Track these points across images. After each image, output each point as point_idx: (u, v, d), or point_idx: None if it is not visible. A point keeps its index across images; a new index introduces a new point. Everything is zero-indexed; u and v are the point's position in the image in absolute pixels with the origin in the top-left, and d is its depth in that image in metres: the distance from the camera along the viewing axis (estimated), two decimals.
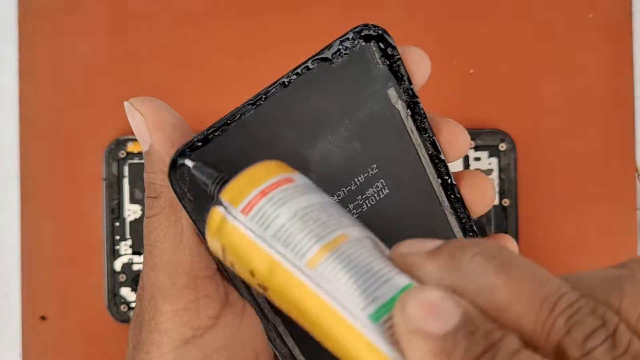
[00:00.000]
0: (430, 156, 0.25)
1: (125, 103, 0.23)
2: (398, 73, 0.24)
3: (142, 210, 0.44)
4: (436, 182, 0.25)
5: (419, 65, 0.24)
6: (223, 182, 0.20)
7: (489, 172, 0.44)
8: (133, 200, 0.44)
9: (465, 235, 0.26)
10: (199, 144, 0.22)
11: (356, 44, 0.23)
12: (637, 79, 0.45)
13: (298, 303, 0.18)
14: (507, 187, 0.44)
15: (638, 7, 0.45)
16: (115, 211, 0.43)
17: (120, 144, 0.43)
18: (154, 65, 0.45)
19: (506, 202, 0.44)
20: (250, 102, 0.23)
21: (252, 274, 0.18)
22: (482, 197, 0.25)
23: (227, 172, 0.20)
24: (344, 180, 0.24)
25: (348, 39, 0.23)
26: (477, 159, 0.44)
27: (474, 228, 0.26)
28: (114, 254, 0.43)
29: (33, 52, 0.45)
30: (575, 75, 0.45)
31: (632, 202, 0.45)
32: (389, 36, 0.24)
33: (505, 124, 0.44)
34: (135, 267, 0.44)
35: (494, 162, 0.44)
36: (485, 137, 0.44)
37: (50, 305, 0.44)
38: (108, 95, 0.45)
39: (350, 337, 0.17)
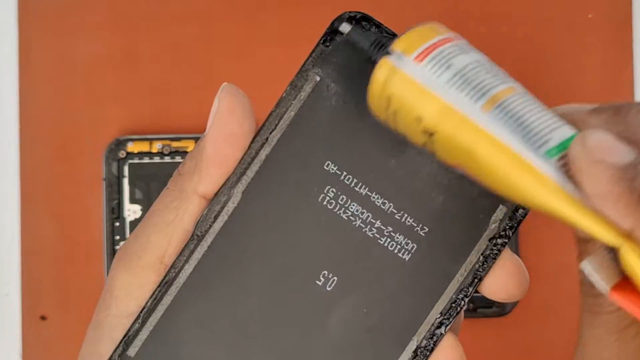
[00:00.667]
0: (464, 283, 0.22)
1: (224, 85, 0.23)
2: (523, 208, 0.23)
3: (142, 210, 0.44)
4: (436, 312, 0.22)
5: (516, 278, 0.23)
6: (383, 43, 0.21)
7: None
8: (133, 200, 0.44)
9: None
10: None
11: None
12: (637, 79, 0.45)
13: (470, 145, 0.18)
14: None
15: (638, 7, 0.45)
16: (115, 211, 0.43)
17: (120, 144, 0.43)
18: (154, 65, 0.45)
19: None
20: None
21: (419, 119, 0.19)
22: (507, 292, 0.23)
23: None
24: (399, 197, 0.22)
25: None
26: None
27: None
28: (114, 254, 0.43)
29: (33, 52, 0.45)
30: (575, 75, 0.45)
31: None
32: None
33: None
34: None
35: None
36: None
37: (50, 305, 0.44)
38: (108, 95, 0.45)
39: (526, 174, 0.18)
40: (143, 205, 0.43)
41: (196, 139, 0.43)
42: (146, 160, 0.43)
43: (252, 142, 0.22)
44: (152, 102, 0.45)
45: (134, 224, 0.43)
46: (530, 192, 0.18)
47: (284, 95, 0.22)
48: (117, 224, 0.43)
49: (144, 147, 0.43)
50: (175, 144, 0.43)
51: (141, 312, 0.22)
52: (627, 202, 0.17)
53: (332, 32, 0.22)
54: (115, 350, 0.22)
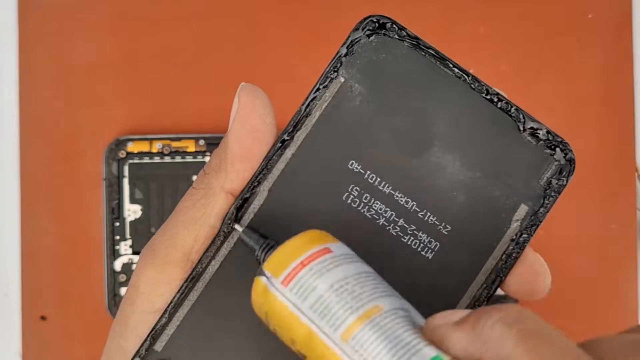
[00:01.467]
0: (487, 281, 0.23)
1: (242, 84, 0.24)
2: (543, 207, 0.23)
3: (142, 210, 0.44)
4: (478, 286, 0.23)
5: (538, 276, 0.23)
6: (269, 248, 0.21)
7: None
8: (133, 200, 0.44)
9: None
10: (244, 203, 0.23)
11: (547, 147, 0.23)
12: (637, 79, 0.45)
13: None
14: None
15: (638, 7, 0.45)
16: (115, 211, 0.43)
17: (120, 144, 0.43)
18: (154, 65, 0.45)
19: None
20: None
21: (292, 341, 0.19)
22: (530, 290, 0.23)
23: (276, 232, 0.21)
24: (422, 196, 0.23)
25: (550, 136, 0.23)
26: None
27: None
28: (114, 254, 0.43)
29: (33, 52, 0.45)
30: (575, 75, 0.45)
31: (632, 202, 0.45)
32: (571, 176, 0.23)
33: None
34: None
35: None
36: None
37: (50, 305, 0.44)
38: (108, 96, 0.45)
39: None
40: (143, 205, 0.43)
41: (196, 139, 0.43)
42: (146, 160, 0.43)
43: (277, 140, 0.23)
44: (152, 102, 0.45)
45: (134, 224, 0.43)
46: None
47: (309, 95, 0.23)
48: (117, 224, 0.43)
49: (144, 147, 0.43)
50: (175, 144, 0.43)
51: (168, 307, 0.22)
52: None
53: (356, 35, 0.23)
54: (142, 345, 0.22)
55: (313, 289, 0.19)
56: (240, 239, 0.22)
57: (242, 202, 0.23)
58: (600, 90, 0.45)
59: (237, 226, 0.22)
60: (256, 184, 0.22)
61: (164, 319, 0.22)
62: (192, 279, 0.22)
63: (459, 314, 0.18)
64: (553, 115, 0.45)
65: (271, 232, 0.22)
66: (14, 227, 0.45)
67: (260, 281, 0.20)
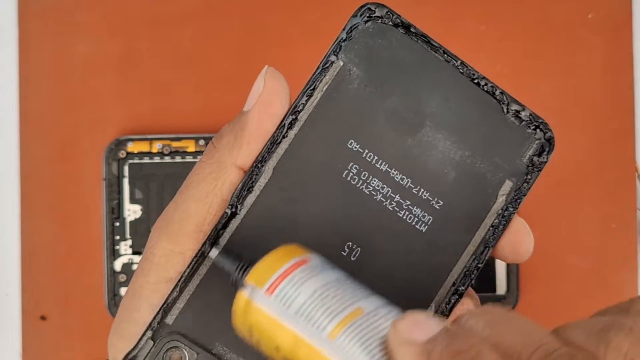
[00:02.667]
0: (476, 252, 0.24)
1: (266, 68, 0.24)
2: (526, 182, 0.24)
3: (142, 210, 0.44)
4: (451, 280, 0.24)
5: (522, 241, 0.24)
6: (245, 267, 0.22)
7: None
8: (133, 200, 0.44)
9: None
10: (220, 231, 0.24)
11: (529, 127, 0.25)
12: (637, 79, 0.45)
13: None
14: None
15: (638, 7, 0.45)
16: (115, 211, 0.43)
17: (120, 144, 0.43)
18: (154, 65, 0.45)
19: None
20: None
21: (277, 349, 0.20)
22: (514, 249, 0.25)
23: (249, 255, 0.22)
24: (416, 173, 0.24)
25: (532, 117, 0.25)
26: None
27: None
28: (114, 254, 0.43)
29: (33, 52, 0.45)
30: (575, 75, 0.45)
31: (632, 202, 0.45)
32: (550, 153, 0.25)
33: None
34: (135, 268, 0.44)
35: None
36: None
37: (50, 305, 0.44)
38: (108, 95, 0.45)
39: None
40: (143, 205, 0.43)
41: (196, 139, 0.43)
42: (146, 160, 0.43)
43: (281, 121, 0.24)
44: (152, 102, 0.45)
45: (134, 224, 0.43)
46: None
47: (311, 78, 0.24)
48: (117, 224, 0.43)
49: (144, 147, 0.43)
50: (175, 144, 0.43)
51: (179, 281, 0.23)
52: None
53: (359, 23, 0.24)
54: (154, 318, 0.23)
55: (297, 296, 0.20)
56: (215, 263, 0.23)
57: (225, 222, 0.23)
58: (600, 90, 0.45)
59: (211, 252, 0.23)
60: (262, 163, 0.24)
61: (175, 292, 0.23)
62: (201, 253, 0.23)
63: (423, 326, 0.19)
64: (553, 115, 0.45)
65: (276, 209, 0.23)
66: (14, 227, 0.45)
67: (242, 295, 0.21)
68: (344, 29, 0.24)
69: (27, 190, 0.45)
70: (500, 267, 0.44)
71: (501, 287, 0.44)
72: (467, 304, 0.24)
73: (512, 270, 0.44)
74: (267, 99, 0.24)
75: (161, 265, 0.23)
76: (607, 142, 0.45)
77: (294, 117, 0.24)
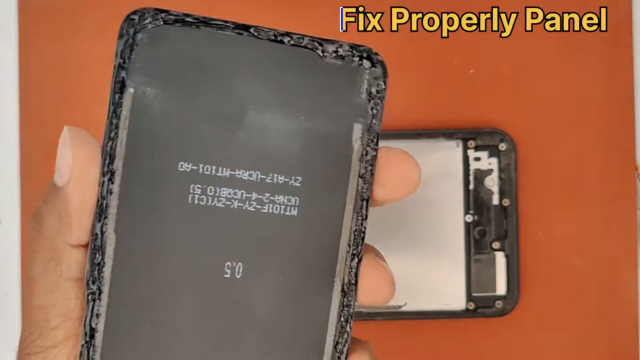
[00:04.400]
0: (355, 209, 0.23)
1: (66, 129, 0.22)
2: (374, 117, 0.23)
3: None
4: (344, 246, 0.23)
5: (404, 180, 0.23)
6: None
7: (489, 172, 0.44)
8: None
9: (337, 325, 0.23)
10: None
11: (354, 61, 0.22)
12: (637, 80, 0.45)
13: None
14: (507, 187, 0.44)
15: (638, 7, 0.45)
16: None
17: None
18: None
19: (506, 202, 0.44)
20: (228, 25, 0.22)
21: None
22: (403, 180, 0.23)
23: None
24: (262, 163, 0.22)
25: (353, 49, 0.22)
26: (477, 159, 0.44)
27: (350, 322, 0.23)
28: None
29: (33, 52, 0.45)
30: (576, 75, 0.45)
31: (632, 202, 0.45)
32: (385, 78, 0.22)
33: (505, 124, 0.44)
34: None
35: (494, 162, 0.44)
36: (485, 137, 0.44)
37: None
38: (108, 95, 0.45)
39: None
40: None
41: None
42: None
43: (100, 179, 0.21)
44: None
45: None
46: None
47: (107, 122, 0.22)
48: None
49: None
50: None
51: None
52: None
53: (129, 41, 0.22)
54: None
55: None
56: None
57: (93, 304, 0.22)
58: (600, 90, 0.45)
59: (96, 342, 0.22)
60: (102, 232, 0.21)
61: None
62: (88, 339, 0.22)
63: None
64: (553, 115, 0.45)
65: (140, 267, 0.22)
66: (14, 227, 0.45)
67: None
68: (116, 55, 0.22)
69: (27, 190, 0.45)
70: (501, 267, 0.44)
71: (501, 287, 0.44)
72: (365, 358, 0.23)
73: (512, 270, 0.44)
74: (82, 169, 0.21)
75: None
76: (607, 142, 0.45)
77: (111, 168, 0.21)
